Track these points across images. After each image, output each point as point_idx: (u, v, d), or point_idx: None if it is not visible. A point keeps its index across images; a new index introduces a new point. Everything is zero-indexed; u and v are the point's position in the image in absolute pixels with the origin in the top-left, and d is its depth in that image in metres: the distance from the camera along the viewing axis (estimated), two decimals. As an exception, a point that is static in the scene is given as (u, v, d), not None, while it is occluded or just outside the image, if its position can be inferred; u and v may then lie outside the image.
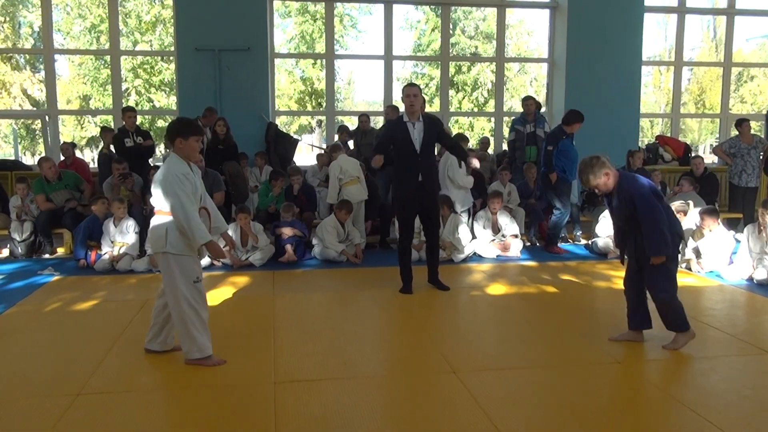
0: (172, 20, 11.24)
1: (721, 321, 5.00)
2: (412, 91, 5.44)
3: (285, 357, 4.20)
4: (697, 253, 6.76)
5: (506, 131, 11.51)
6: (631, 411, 3.37)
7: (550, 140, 7.82)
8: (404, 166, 5.56)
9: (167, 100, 19.31)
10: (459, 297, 5.79)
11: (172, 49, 10.64)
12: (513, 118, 9.51)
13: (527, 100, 9.02)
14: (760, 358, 4.16)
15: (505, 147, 10.80)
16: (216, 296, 5.73)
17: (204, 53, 9.44)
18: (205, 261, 6.83)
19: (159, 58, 18.95)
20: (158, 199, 3.84)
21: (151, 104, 19.14)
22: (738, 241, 6.99)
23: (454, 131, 13.38)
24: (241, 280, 6.35)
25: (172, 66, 17.66)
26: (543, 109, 9.52)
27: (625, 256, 4.37)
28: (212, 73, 9.46)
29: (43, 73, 17.45)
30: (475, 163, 6.47)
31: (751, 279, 6.22)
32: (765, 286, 6.03)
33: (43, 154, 9.73)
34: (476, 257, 7.44)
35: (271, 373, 3.87)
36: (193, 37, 9.42)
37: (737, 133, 9.22)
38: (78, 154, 11.31)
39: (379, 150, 5.61)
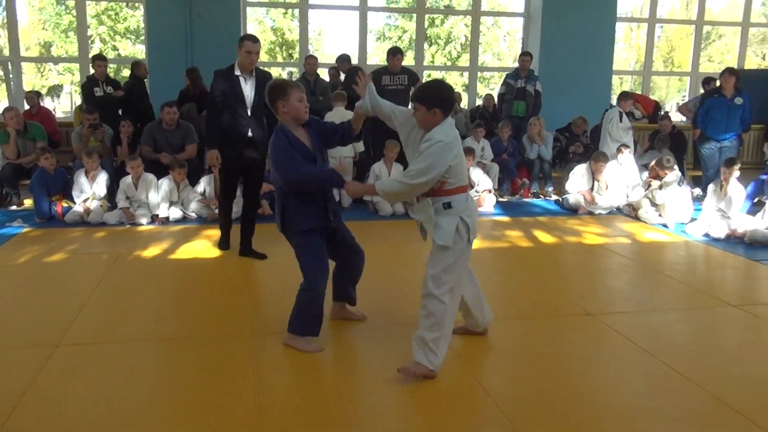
0: (138, -35, 10.83)
1: (685, 275, 5.18)
2: (255, 48, 5.00)
3: (263, 308, 4.25)
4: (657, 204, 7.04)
5: (480, 87, 11.47)
6: (601, 360, 3.51)
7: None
8: (234, 122, 5.12)
9: (133, 49, 18.77)
10: (433, 251, 5.87)
11: (139, -5, 10.31)
12: (507, 72, 9.48)
13: (524, 56, 9.05)
14: (721, 311, 4.34)
15: (478, 102, 10.81)
16: (191, 249, 5.72)
17: (174, 0, 9.16)
18: (177, 213, 6.80)
19: (124, 4, 18.32)
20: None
21: (117, 52, 18.60)
22: (699, 198, 7.23)
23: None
24: (216, 233, 6.27)
25: (138, 13, 17.13)
26: (515, 64, 9.50)
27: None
28: (182, 21, 9.20)
29: (2, 17, 16.79)
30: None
31: (708, 235, 6.42)
32: (723, 241, 6.23)
33: (7, 104, 9.43)
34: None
35: (251, 324, 3.91)
36: (161, -18, 9.13)
37: (703, 91, 9.35)
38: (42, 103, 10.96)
39: (213, 119, 5.14)
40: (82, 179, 6.80)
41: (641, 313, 4.26)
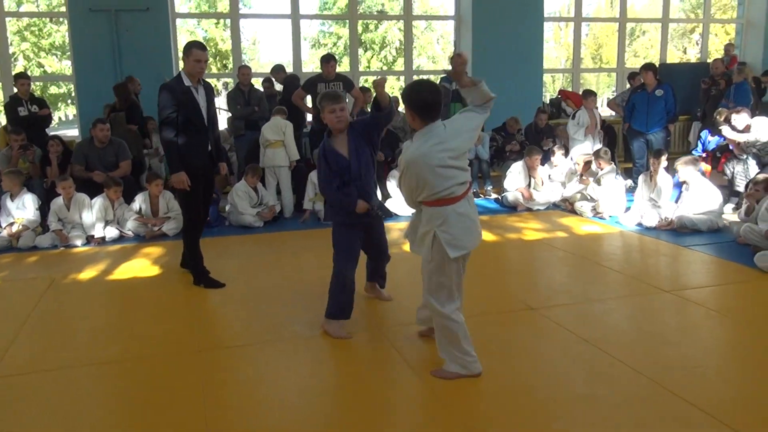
0: (60, -22, 10.49)
1: (620, 264, 5.37)
2: (204, 55, 4.69)
3: (208, 324, 4.19)
4: (594, 199, 7.24)
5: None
6: (545, 353, 3.59)
7: None
8: (193, 136, 4.75)
9: (59, 65, 18.16)
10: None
11: (63, 9, 9.98)
12: (442, 76, 9.62)
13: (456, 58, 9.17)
14: (656, 297, 4.51)
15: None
16: (130, 269, 5.58)
17: (99, 14, 8.92)
18: (113, 232, 6.61)
19: (48, 19, 17.71)
20: None
21: (42, 69, 17.96)
22: (631, 189, 7.50)
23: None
24: (156, 250, 6.19)
25: (63, 28, 16.59)
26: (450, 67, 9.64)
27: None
28: (109, 35, 8.97)
29: None
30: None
31: (641, 224, 6.66)
32: (655, 229, 6.48)
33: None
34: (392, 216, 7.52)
35: (195, 341, 3.85)
36: (85, -3, 8.88)
37: (629, 86, 9.71)
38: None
39: (172, 138, 4.66)
40: (8, 203, 6.53)
41: (581, 304, 4.39)
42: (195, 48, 4.70)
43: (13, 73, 8.81)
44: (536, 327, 3.98)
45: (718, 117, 8.30)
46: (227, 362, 3.55)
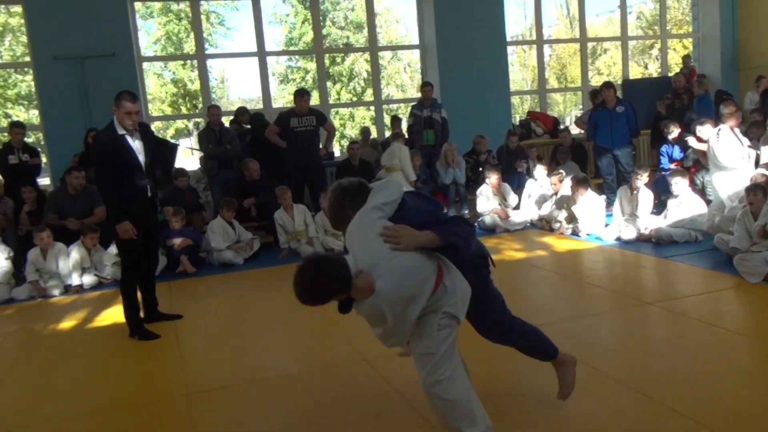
0: (23, 29, 10.46)
1: (602, 279, 5.42)
2: (135, 107, 4.50)
3: (194, 367, 4.12)
4: (573, 218, 7.27)
5: (387, 119, 11.76)
6: (530, 372, 3.58)
7: None
8: (131, 183, 4.64)
9: (27, 114, 18.02)
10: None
11: (28, 59, 9.93)
12: (412, 104, 9.73)
13: (425, 86, 9.31)
14: (640, 310, 4.55)
15: (387, 134, 11.02)
16: (110, 315, 5.48)
17: (64, 62, 8.89)
18: (92, 279, 6.51)
19: (12, 69, 17.62)
20: None
21: (9, 119, 17.82)
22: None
23: (336, 123, 13.46)
24: (135, 295, 6.10)
25: (29, 77, 16.50)
26: (419, 95, 9.75)
27: None
28: (76, 82, 8.93)
29: None
30: None
31: (620, 238, 6.74)
32: (634, 243, 6.56)
33: None
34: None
35: (182, 384, 3.78)
36: (50, 46, 8.83)
37: (592, 104, 9.91)
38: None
39: (111, 187, 4.57)
40: (-21, 257, 6.41)
41: (565, 321, 4.41)
42: (125, 101, 4.49)
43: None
44: (524, 347, 3.97)
45: (665, 130, 8.53)
46: (216, 404, 3.50)
